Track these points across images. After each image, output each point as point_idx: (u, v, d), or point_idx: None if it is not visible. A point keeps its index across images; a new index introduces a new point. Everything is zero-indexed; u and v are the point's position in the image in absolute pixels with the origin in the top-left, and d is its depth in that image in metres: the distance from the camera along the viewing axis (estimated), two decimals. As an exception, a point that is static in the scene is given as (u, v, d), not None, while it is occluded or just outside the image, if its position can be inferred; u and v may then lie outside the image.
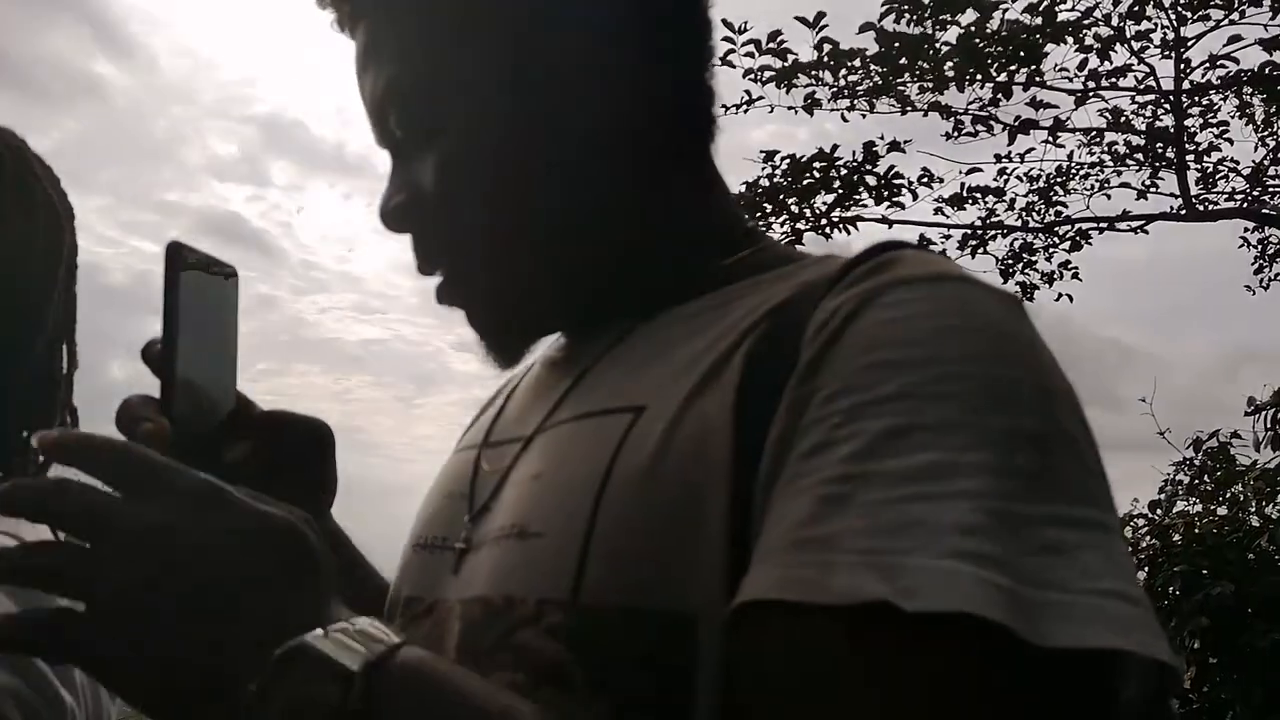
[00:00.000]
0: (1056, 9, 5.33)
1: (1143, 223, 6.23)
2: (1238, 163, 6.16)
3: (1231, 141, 6.05)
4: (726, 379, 0.50)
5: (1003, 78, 5.59)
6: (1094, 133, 6.17)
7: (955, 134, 5.91)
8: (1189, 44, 5.62)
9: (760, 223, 5.38)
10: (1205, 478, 5.02)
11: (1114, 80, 5.74)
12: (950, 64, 5.48)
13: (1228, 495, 4.94)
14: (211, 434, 0.60)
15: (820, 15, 5.34)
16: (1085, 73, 5.63)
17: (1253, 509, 4.75)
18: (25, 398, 0.78)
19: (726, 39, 5.25)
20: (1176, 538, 4.47)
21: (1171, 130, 5.89)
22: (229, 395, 0.63)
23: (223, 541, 0.44)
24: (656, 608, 0.47)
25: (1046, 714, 0.40)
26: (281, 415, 0.70)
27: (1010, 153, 6.11)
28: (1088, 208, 6.35)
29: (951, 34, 5.43)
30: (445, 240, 0.63)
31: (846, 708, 0.40)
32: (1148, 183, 6.17)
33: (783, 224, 5.87)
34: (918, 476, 0.42)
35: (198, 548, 0.43)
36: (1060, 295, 6.38)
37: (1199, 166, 6.11)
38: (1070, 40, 5.49)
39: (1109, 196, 6.31)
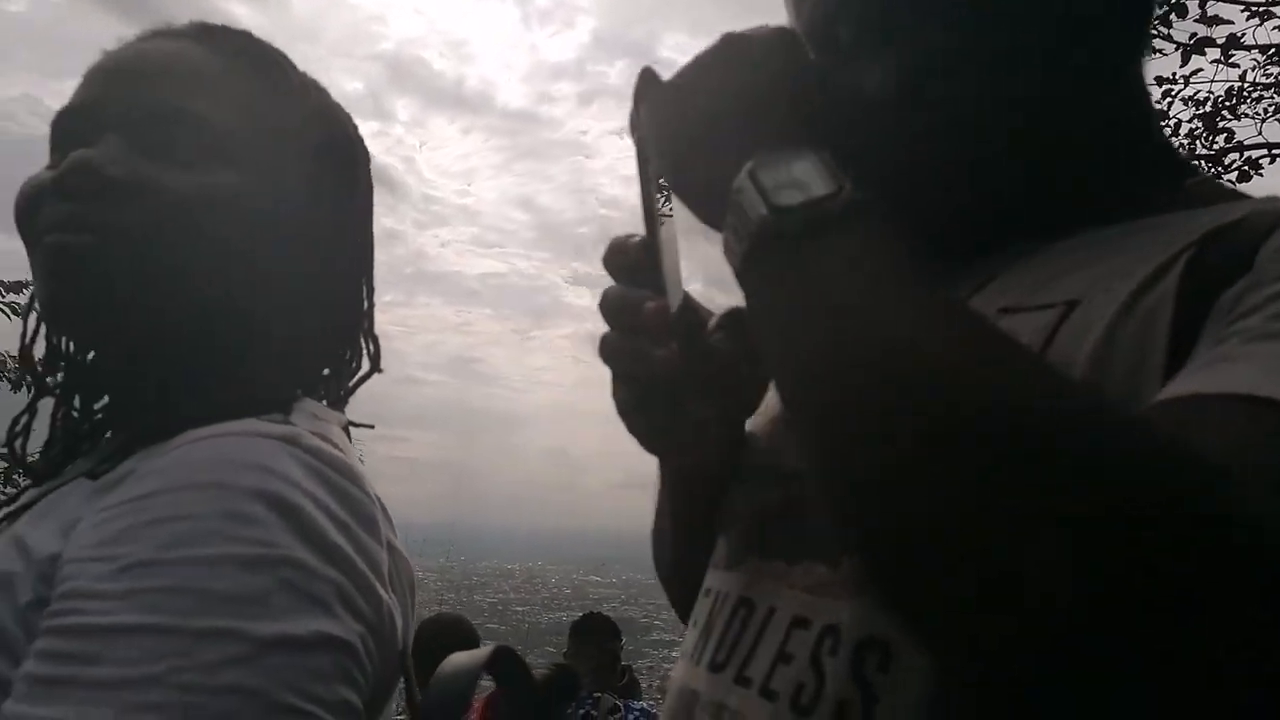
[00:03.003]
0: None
1: (1326, 150, 5.73)
2: None
3: None
4: (1167, 283, 0.51)
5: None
6: (1272, 50, 5.67)
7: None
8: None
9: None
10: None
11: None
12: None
13: None
14: (682, 313, 0.64)
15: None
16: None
17: None
18: (332, 333, 0.82)
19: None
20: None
21: (1365, 46, 5.36)
22: (681, 282, 0.66)
23: None
24: None
25: None
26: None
27: (1174, 74, 5.69)
28: (1260, 133, 5.89)
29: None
30: (890, 141, 0.62)
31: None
32: (1331, 106, 5.66)
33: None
34: None
35: None
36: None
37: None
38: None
39: (1284, 121, 5.83)
